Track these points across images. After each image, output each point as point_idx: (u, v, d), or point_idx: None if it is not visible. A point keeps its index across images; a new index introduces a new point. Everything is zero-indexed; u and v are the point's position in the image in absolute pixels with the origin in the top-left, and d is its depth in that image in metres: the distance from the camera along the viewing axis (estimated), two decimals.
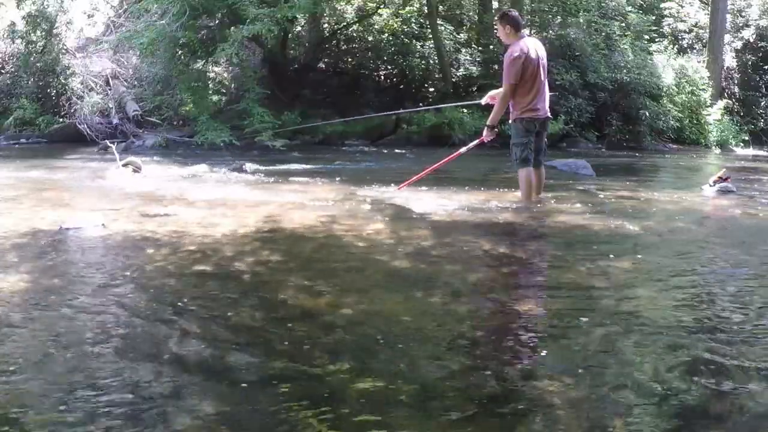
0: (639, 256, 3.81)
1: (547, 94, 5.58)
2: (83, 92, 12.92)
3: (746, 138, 17.98)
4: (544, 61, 5.49)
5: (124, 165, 7.59)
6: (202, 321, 2.48)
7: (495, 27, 5.69)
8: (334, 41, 16.85)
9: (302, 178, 7.13)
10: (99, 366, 2.05)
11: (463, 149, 6.15)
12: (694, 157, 14.49)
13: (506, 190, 6.30)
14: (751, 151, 17.05)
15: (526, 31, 5.63)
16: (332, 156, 10.59)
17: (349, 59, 16.79)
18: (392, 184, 6.27)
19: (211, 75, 14.73)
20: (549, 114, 5.67)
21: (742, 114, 19.19)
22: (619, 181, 7.83)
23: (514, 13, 5.76)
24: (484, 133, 5.67)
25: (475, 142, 5.96)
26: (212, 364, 2.09)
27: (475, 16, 17.51)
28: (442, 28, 16.17)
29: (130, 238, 3.88)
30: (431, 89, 16.14)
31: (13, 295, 2.74)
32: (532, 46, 5.40)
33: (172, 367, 2.06)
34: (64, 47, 13.73)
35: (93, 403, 1.80)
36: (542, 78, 5.41)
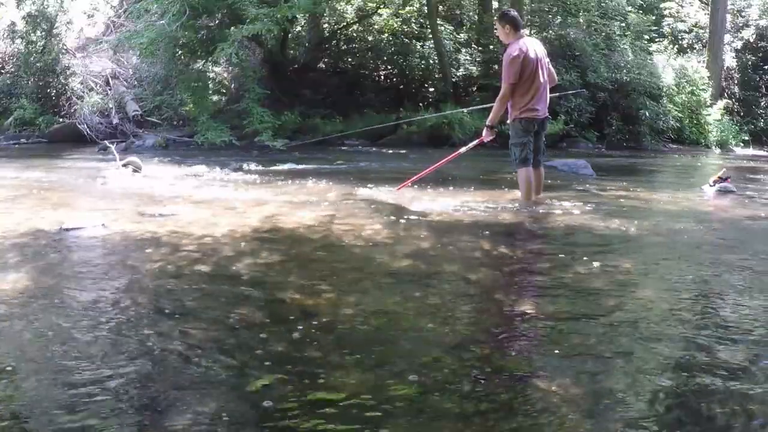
0: (639, 257, 3.81)
1: (547, 94, 5.57)
2: (83, 92, 12.94)
3: (746, 138, 17.99)
4: (544, 60, 5.48)
5: (124, 165, 7.60)
6: (202, 321, 2.49)
7: (494, 27, 5.69)
8: (334, 41, 16.84)
9: (302, 178, 7.13)
10: (99, 366, 2.05)
11: (463, 149, 6.15)
12: (694, 157, 14.49)
13: (506, 190, 6.30)
14: (751, 151, 17.05)
15: (525, 31, 5.62)
16: (332, 156, 10.59)
17: (349, 59, 16.78)
18: (392, 184, 6.27)
19: (211, 75, 14.72)
20: (548, 114, 5.67)
21: (742, 114, 19.19)
22: (619, 181, 7.83)
23: (514, 12, 5.75)
24: (484, 132, 5.68)
25: (475, 142, 5.96)
26: (212, 364, 2.09)
27: (475, 16, 17.50)
28: (442, 28, 16.17)
29: (130, 238, 3.88)
30: (431, 89, 16.13)
31: (13, 295, 2.74)
32: (531, 45, 5.40)
33: (172, 366, 2.06)
34: (64, 47, 13.73)
35: (93, 402, 1.80)
36: (541, 78, 5.41)
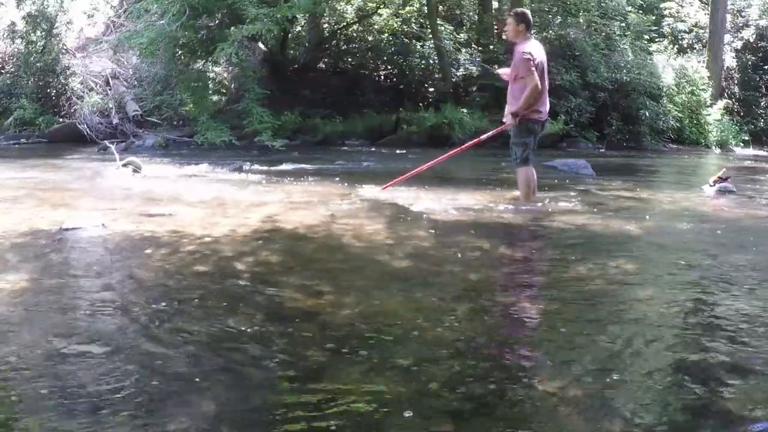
0: (639, 257, 3.81)
1: (547, 97, 5.63)
2: (83, 92, 12.93)
3: (746, 138, 17.98)
4: (545, 64, 5.54)
5: (124, 165, 7.60)
6: (202, 321, 2.48)
7: (506, 21, 5.71)
8: (334, 41, 16.84)
9: (302, 178, 7.13)
10: (98, 366, 2.05)
11: (483, 137, 6.11)
12: (694, 157, 14.49)
13: (506, 190, 6.30)
14: (751, 151, 17.04)
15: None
16: (332, 156, 10.58)
17: (349, 59, 16.77)
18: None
19: (211, 75, 14.72)
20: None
21: (742, 114, 19.18)
22: (619, 181, 7.83)
23: (529, 13, 5.78)
24: (507, 119, 5.55)
25: (497, 129, 5.96)
26: (212, 364, 2.09)
27: (475, 16, 17.50)
28: (442, 28, 16.16)
29: (130, 238, 3.88)
30: (431, 89, 16.13)
31: (13, 295, 2.74)
32: (537, 49, 5.45)
33: (172, 367, 2.06)
34: (64, 47, 13.73)
35: (92, 403, 1.80)
36: (546, 82, 5.48)
